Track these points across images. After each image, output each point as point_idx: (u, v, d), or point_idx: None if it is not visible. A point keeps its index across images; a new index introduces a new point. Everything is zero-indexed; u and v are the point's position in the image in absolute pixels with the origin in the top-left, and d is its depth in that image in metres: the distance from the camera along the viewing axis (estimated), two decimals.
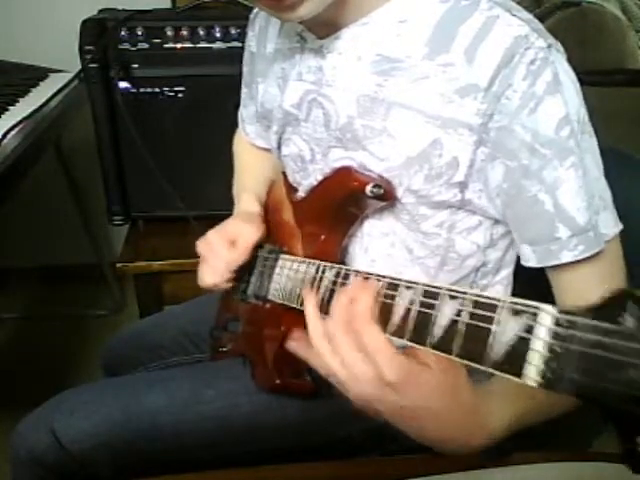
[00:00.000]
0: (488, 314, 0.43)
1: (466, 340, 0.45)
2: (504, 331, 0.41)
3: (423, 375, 0.51)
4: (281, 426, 0.81)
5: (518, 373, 0.40)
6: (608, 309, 0.35)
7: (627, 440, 0.35)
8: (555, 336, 0.38)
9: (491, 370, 0.42)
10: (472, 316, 0.44)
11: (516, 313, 0.41)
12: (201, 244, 0.85)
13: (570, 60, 0.63)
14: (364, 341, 0.51)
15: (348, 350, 0.52)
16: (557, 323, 0.38)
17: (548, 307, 0.39)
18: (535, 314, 0.40)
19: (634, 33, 1.75)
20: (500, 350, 0.42)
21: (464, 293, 0.46)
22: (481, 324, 0.44)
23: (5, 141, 1.07)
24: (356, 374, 0.51)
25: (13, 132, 1.10)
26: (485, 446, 0.58)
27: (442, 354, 0.47)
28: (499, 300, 0.43)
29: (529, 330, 0.40)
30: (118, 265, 1.38)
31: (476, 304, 0.45)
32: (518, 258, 0.75)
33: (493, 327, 0.42)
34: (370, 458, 0.83)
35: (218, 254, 0.82)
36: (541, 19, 0.64)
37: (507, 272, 0.76)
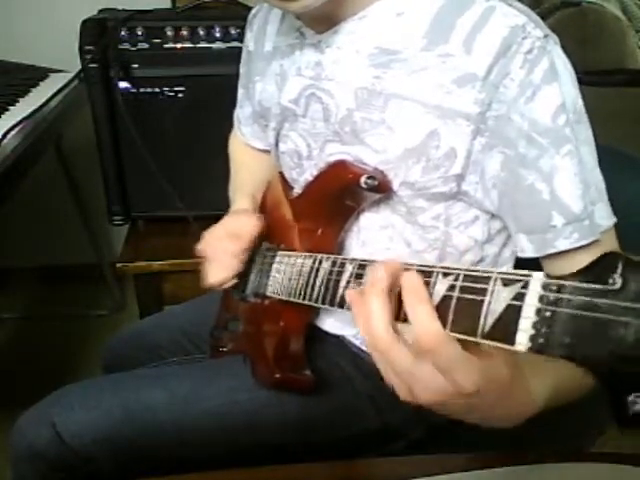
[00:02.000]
0: (480, 286, 0.43)
1: (459, 315, 0.45)
2: (496, 301, 0.42)
3: (495, 373, 0.47)
4: (281, 423, 0.81)
5: (511, 341, 0.40)
6: (597, 271, 0.36)
7: (617, 399, 0.35)
8: (544, 300, 0.38)
9: (483, 341, 0.42)
10: (464, 290, 0.45)
11: (507, 283, 0.41)
12: (203, 244, 0.85)
13: (570, 59, 0.63)
14: (440, 359, 0.45)
15: (425, 371, 0.46)
16: (546, 288, 0.38)
17: (537, 274, 0.39)
18: (525, 282, 0.40)
19: (634, 33, 1.75)
20: (492, 320, 0.42)
21: (457, 269, 0.46)
22: (473, 297, 0.44)
23: (5, 141, 1.07)
24: (431, 389, 0.46)
25: (13, 132, 1.10)
26: (527, 416, 0.56)
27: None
28: (490, 272, 0.43)
29: (519, 298, 0.40)
30: (118, 265, 1.38)
31: (467, 278, 0.45)
32: (517, 257, 0.75)
33: (485, 299, 0.43)
34: (370, 458, 0.83)
35: (223, 249, 0.83)
36: (541, 19, 0.64)
37: (506, 270, 0.76)
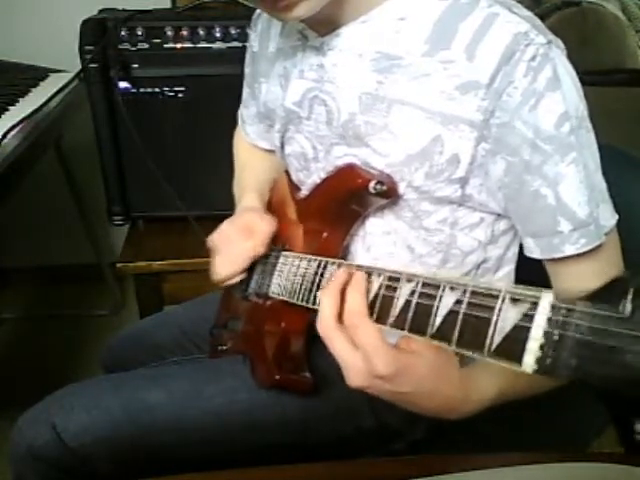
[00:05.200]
0: (487, 304, 0.43)
1: (465, 330, 0.45)
2: (504, 320, 0.42)
3: (415, 364, 0.55)
4: (281, 423, 0.81)
5: (518, 361, 0.40)
6: (607, 296, 0.36)
7: (623, 423, 0.35)
8: (553, 323, 0.38)
9: (490, 359, 0.43)
10: (471, 306, 0.45)
11: (515, 302, 0.41)
12: (216, 235, 0.85)
13: (570, 59, 0.63)
14: (357, 337, 0.54)
15: (341, 344, 0.55)
16: (554, 310, 0.38)
17: (547, 295, 0.39)
18: (534, 302, 0.40)
19: (634, 33, 1.75)
20: (499, 339, 0.42)
21: (465, 285, 0.46)
22: (480, 314, 0.44)
23: (5, 141, 1.07)
24: (350, 367, 0.55)
25: (13, 132, 1.10)
26: (472, 413, 0.63)
27: (441, 344, 0.47)
28: (499, 290, 0.43)
29: (528, 318, 0.40)
30: (118, 265, 1.38)
31: (475, 294, 0.45)
32: (519, 257, 0.75)
33: (493, 317, 0.43)
34: (370, 458, 0.83)
35: (236, 243, 0.82)
36: (541, 18, 0.64)
37: (508, 270, 0.76)
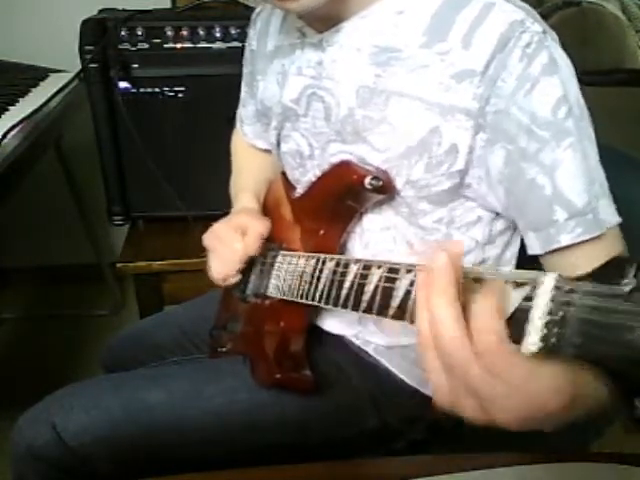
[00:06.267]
0: None
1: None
2: (508, 302, 0.42)
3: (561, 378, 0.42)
4: (281, 423, 0.81)
5: (523, 341, 0.40)
6: (608, 274, 0.36)
7: (627, 399, 0.35)
8: (556, 301, 0.38)
9: None
10: None
11: (518, 285, 0.41)
12: (209, 236, 0.84)
13: (570, 59, 0.63)
14: (497, 369, 0.41)
15: (432, 363, 0.44)
16: (558, 289, 0.38)
17: (549, 275, 0.39)
18: (537, 283, 0.40)
19: (634, 33, 1.75)
20: (503, 321, 0.42)
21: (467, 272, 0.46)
22: None
23: (5, 141, 1.07)
24: (437, 387, 0.44)
25: (13, 132, 1.10)
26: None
27: None
28: (501, 274, 0.43)
29: (531, 298, 0.40)
30: (118, 265, 1.38)
31: (477, 280, 0.45)
32: (519, 257, 0.75)
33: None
34: (370, 458, 0.83)
35: (229, 244, 0.82)
36: (542, 18, 0.64)
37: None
